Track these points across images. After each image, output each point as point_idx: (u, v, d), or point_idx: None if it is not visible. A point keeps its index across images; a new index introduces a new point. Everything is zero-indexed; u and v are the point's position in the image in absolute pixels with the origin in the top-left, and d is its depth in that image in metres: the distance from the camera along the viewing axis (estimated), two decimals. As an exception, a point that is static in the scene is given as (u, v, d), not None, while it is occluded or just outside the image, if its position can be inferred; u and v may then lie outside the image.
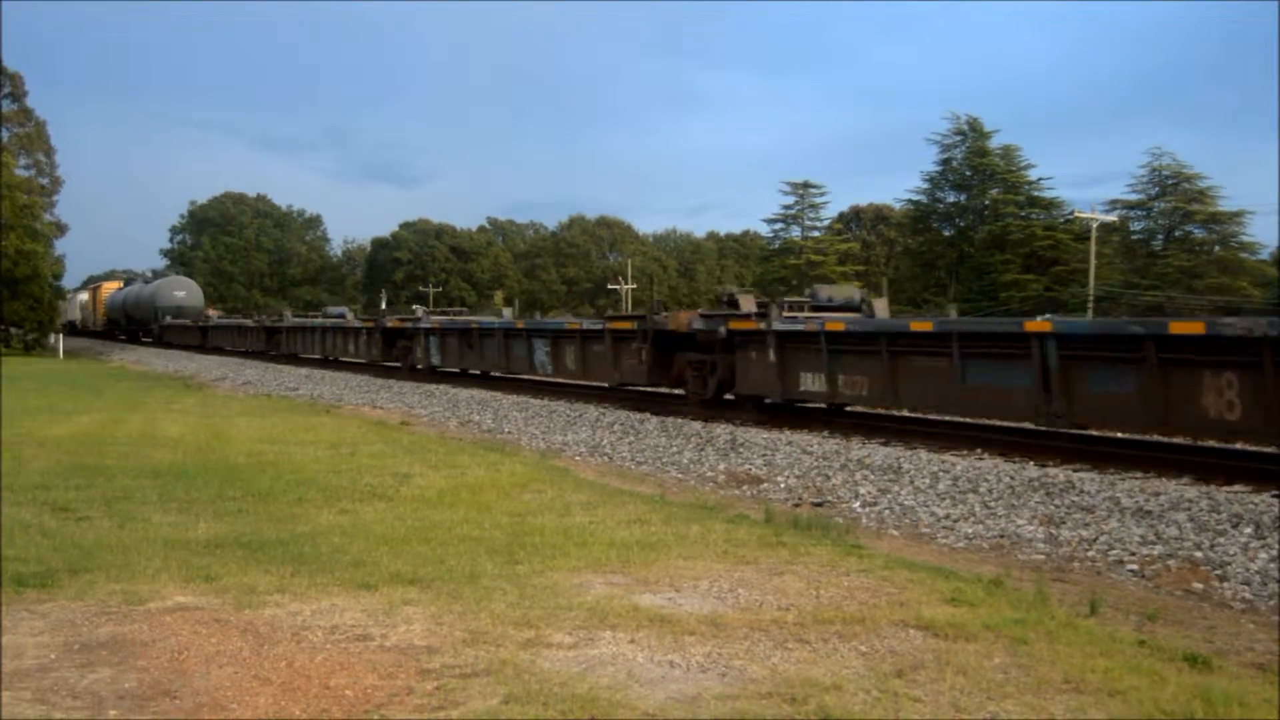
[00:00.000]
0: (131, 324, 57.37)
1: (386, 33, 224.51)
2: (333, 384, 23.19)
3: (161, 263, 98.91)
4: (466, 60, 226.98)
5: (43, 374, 29.45)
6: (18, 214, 43.48)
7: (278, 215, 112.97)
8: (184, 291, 53.25)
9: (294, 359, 33.00)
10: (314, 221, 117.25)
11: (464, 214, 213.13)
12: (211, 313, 47.91)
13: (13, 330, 47.44)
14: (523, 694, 4.03)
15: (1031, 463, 9.92)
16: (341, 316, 32.40)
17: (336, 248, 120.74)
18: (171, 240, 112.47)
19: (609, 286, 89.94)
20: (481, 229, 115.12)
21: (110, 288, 67.94)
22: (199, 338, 44.27)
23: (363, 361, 27.75)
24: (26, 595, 5.45)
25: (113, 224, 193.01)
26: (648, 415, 14.65)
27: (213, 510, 7.96)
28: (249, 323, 38.56)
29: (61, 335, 52.97)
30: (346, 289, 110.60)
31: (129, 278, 70.27)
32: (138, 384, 25.89)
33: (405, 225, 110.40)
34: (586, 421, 14.43)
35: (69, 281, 74.64)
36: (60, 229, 58.43)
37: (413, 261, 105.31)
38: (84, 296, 77.41)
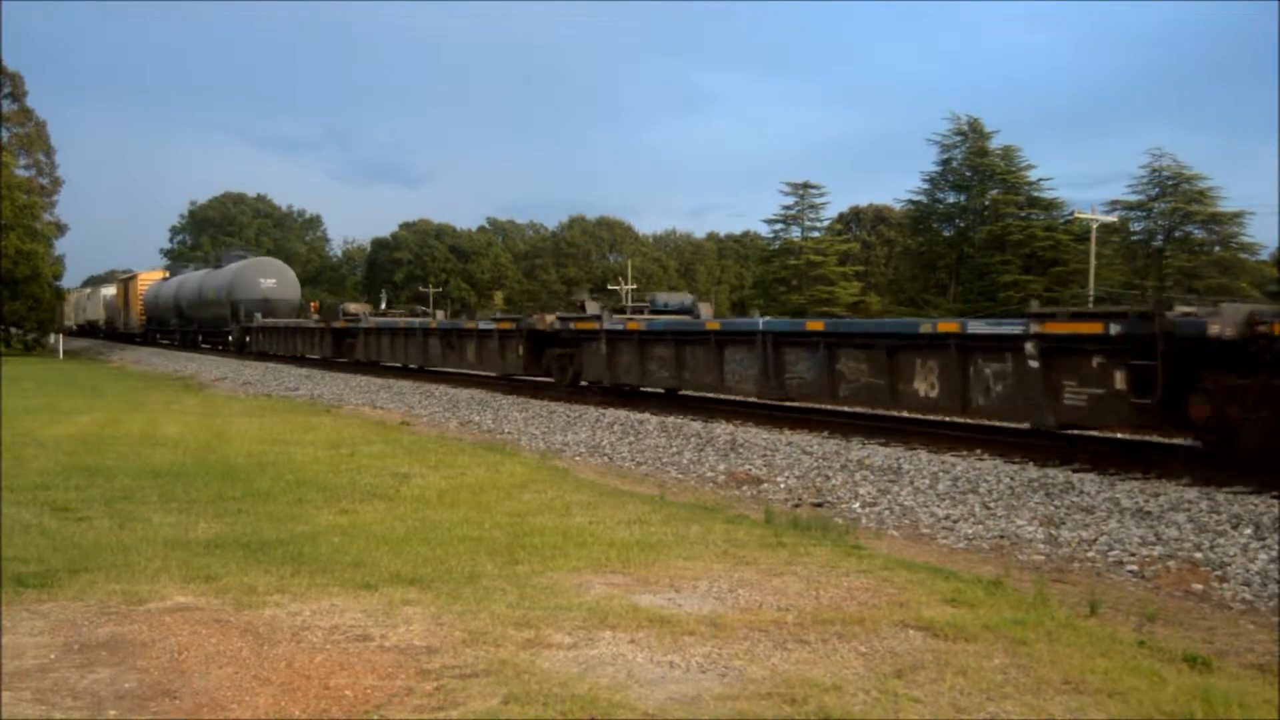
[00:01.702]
0: (189, 325, 44.20)
1: (388, 33, 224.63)
2: (333, 384, 23.18)
3: (161, 262, 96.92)
4: (468, 60, 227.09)
5: (43, 374, 29.45)
6: (18, 214, 43.49)
7: (278, 215, 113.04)
8: (274, 279, 38.68)
9: (602, 396, 17.11)
10: (314, 222, 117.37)
11: (464, 214, 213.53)
12: (354, 308, 28.96)
13: (13, 330, 47.46)
14: (523, 694, 4.03)
15: (1031, 463, 9.92)
16: (686, 311, 17.17)
17: (336, 248, 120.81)
18: (171, 240, 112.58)
19: (609, 287, 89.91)
20: (481, 229, 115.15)
21: (149, 279, 54.95)
22: (329, 346, 28.66)
23: (932, 420, 12.88)
24: (26, 595, 5.45)
25: (113, 224, 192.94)
26: (648, 416, 14.65)
27: (213, 510, 7.96)
28: (482, 324, 20.44)
29: (62, 335, 52.84)
30: (346, 289, 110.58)
31: (173, 265, 57.22)
32: (138, 384, 25.89)
33: (405, 225, 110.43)
34: (586, 422, 14.43)
35: (69, 281, 72.59)
36: (60, 229, 57.49)
37: (413, 262, 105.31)
38: (109, 291, 64.40)
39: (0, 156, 44.26)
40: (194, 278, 45.31)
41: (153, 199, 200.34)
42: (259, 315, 36.05)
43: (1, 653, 4.52)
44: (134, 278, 57.09)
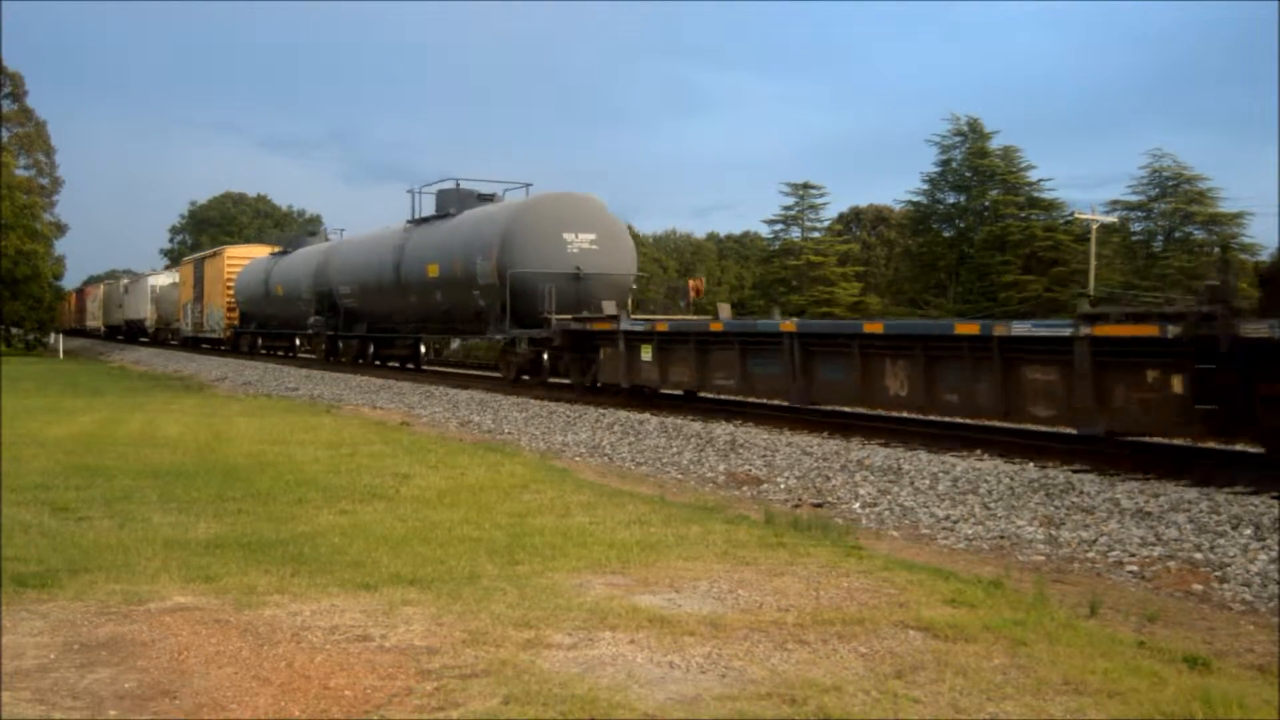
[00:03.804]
0: (350, 326, 26.61)
1: (392, 34, 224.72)
2: (333, 384, 23.18)
3: (160, 263, 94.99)
4: (470, 61, 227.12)
5: (43, 374, 29.45)
6: (18, 214, 43.52)
7: (278, 215, 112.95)
8: (591, 234, 19.43)
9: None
10: (314, 222, 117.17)
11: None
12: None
13: (13, 330, 47.50)
14: (522, 694, 4.03)
15: (1031, 464, 9.92)
16: None
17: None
18: (171, 240, 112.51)
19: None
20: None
21: (243, 256, 36.98)
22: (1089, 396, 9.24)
23: None
24: (26, 595, 5.45)
25: (113, 224, 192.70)
26: (648, 416, 14.64)
27: (213, 510, 7.95)
28: None
29: (62, 335, 52.63)
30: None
31: (290, 236, 36.64)
32: (138, 384, 25.89)
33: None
34: (586, 422, 14.42)
35: (69, 281, 71.38)
36: (60, 229, 57.23)
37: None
38: (160, 281, 49.02)
39: (0, 156, 44.28)
40: (372, 243, 25.45)
41: (153, 199, 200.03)
42: (618, 310, 17.06)
43: (1, 653, 4.52)
44: (217, 254, 39.27)
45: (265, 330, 34.27)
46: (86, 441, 12.40)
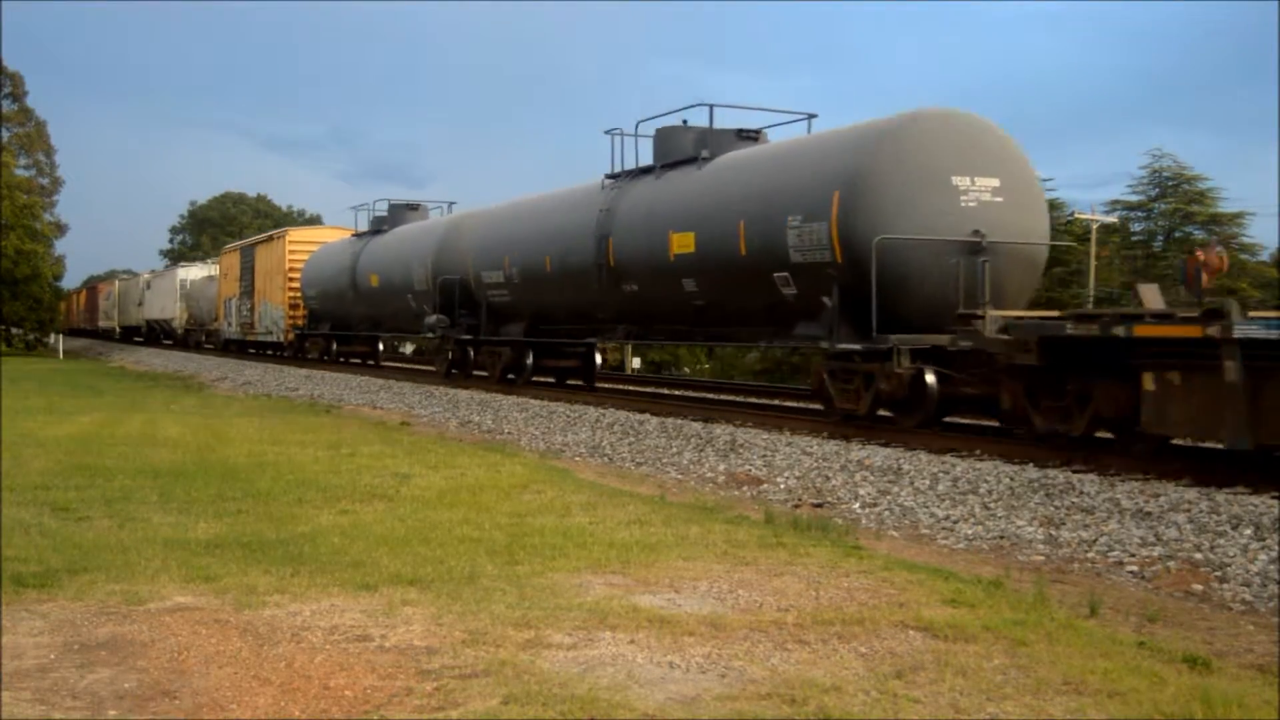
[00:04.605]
0: (504, 321, 19.37)
1: (394, 34, 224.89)
2: (333, 384, 23.18)
3: (160, 263, 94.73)
4: (472, 61, 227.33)
5: (43, 374, 29.45)
6: (18, 214, 43.54)
7: (278, 215, 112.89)
8: (994, 180, 11.55)
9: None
10: (314, 221, 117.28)
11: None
12: None
13: (13, 330, 47.52)
14: (522, 694, 4.03)
15: (1031, 464, 9.90)
16: None
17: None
18: (171, 240, 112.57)
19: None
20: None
21: (309, 240, 30.36)
22: None
23: None
24: (26, 595, 5.45)
25: (113, 224, 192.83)
26: (648, 416, 14.65)
27: (213, 510, 7.95)
28: None
29: (62, 335, 52.57)
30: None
31: (402, 204, 26.09)
32: (137, 384, 25.90)
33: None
34: (586, 422, 14.42)
35: (69, 281, 70.98)
36: (60, 229, 57.23)
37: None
38: (191, 275, 42.53)
39: (0, 156, 44.30)
40: (544, 210, 18.25)
41: (153, 199, 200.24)
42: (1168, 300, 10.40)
43: (1, 653, 4.52)
44: (275, 239, 31.85)
45: (347, 333, 26.74)
46: (86, 441, 12.40)
